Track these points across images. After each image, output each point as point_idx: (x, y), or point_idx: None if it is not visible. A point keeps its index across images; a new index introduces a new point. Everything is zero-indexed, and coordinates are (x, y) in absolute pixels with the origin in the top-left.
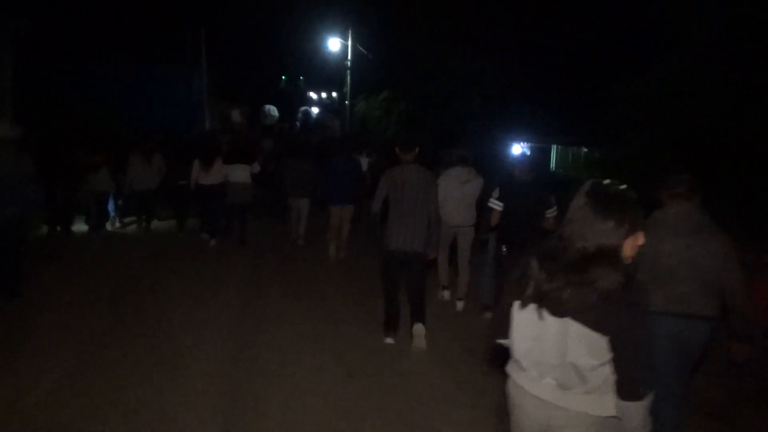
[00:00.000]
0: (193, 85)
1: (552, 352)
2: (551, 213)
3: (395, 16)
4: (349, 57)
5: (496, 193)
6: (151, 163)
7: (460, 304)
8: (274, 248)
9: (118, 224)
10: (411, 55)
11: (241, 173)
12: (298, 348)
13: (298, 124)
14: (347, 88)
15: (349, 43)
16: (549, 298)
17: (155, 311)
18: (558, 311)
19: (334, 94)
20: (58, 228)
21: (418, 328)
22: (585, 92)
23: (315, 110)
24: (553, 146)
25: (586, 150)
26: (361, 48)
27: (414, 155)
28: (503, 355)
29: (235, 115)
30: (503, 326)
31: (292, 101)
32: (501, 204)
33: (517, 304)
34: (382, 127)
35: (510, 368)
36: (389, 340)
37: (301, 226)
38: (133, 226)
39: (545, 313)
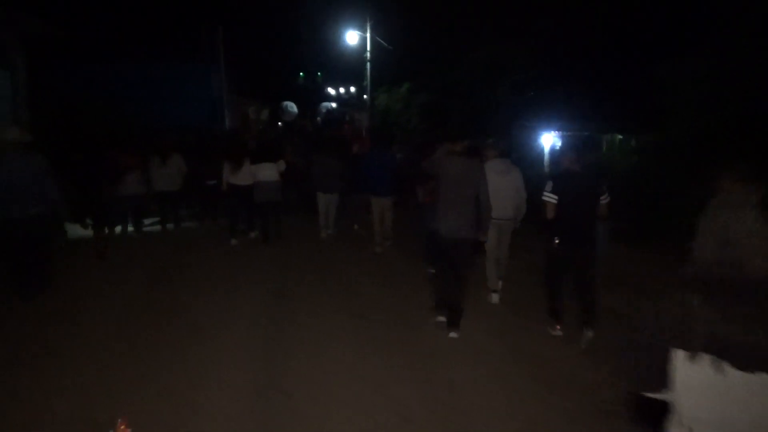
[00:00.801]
0: (212, 83)
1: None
2: (605, 200)
3: (415, 3)
4: (368, 49)
5: (548, 186)
6: (168, 163)
7: (495, 297)
8: (306, 242)
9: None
10: (433, 43)
11: (268, 172)
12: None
13: (319, 119)
14: (367, 82)
15: (368, 34)
16: (732, 348)
17: (187, 305)
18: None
19: (352, 88)
20: (106, 229)
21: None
22: (621, 77)
23: (334, 105)
24: (585, 134)
25: (620, 137)
26: (380, 40)
27: (463, 146)
28: (655, 410)
29: (263, 114)
30: (656, 377)
31: (311, 97)
32: (555, 197)
33: (680, 354)
34: (404, 120)
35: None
36: (441, 318)
37: (329, 220)
38: (157, 227)
39: (728, 367)
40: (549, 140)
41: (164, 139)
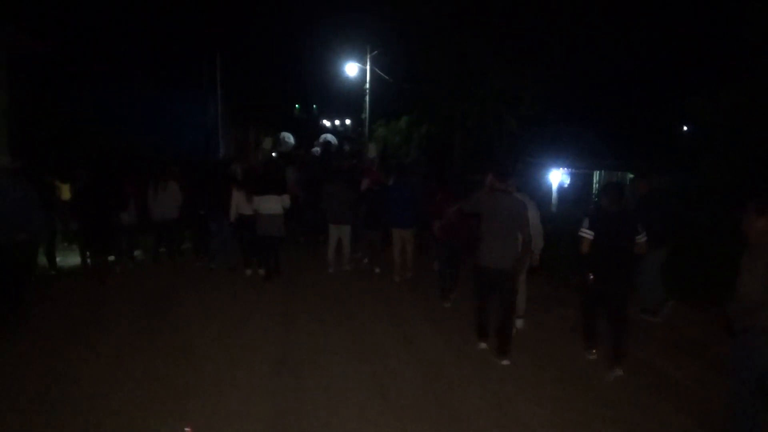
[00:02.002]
0: (208, 110)
1: None
2: (641, 239)
3: (419, 34)
4: (368, 80)
5: (585, 222)
6: (165, 191)
7: (519, 323)
8: (315, 277)
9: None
10: (438, 75)
11: (272, 204)
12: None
13: (317, 150)
14: (366, 114)
15: (368, 66)
16: None
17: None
18: None
19: (347, 121)
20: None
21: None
22: (635, 113)
23: (333, 138)
24: (595, 172)
25: (632, 176)
26: (379, 72)
27: (508, 184)
28: None
29: (267, 143)
30: None
31: (306, 128)
32: (591, 233)
33: None
34: (403, 153)
35: None
36: (482, 345)
37: (343, 254)
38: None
39: None
40: (557, 177)
41: (165, 167)
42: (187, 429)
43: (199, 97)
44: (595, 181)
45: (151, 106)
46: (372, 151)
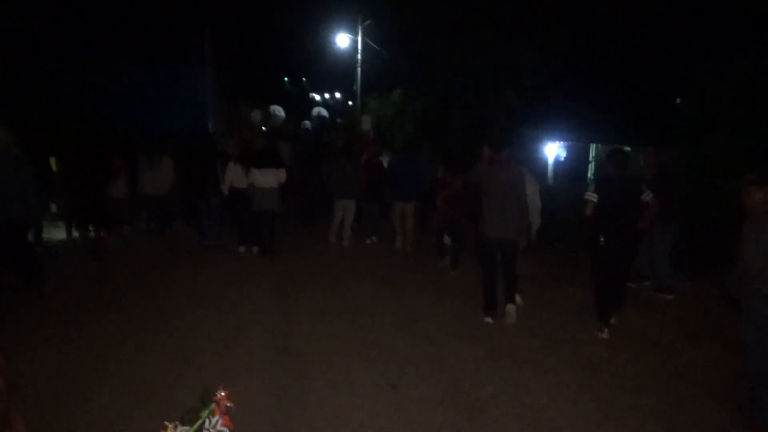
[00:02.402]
0: (198, 85)
1: None
2: (647, 197)
3: (414, 6)
4: (359, 51)
5: (591, 186)
6: (159, 167)
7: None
8: (307, 253)
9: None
10: (433, 47)
11: (271, 178)
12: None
13: (308, 124)
14: (357, 87)
15: (359, 37)
16: None
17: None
18: None
19: (337, 95)
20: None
21: (510, 308)
22: (633, 85)
23: (325, 112)
24: (592, 145)
25: (629, 149)
26: (371, 43)
27: (506, 154)
28: None
29: (256, 115)
30: None
31: (296, 102)
32: (596, 196)
33: None
34: (397, 127)
35: None
36: (488, 320)
37: (346, 226)
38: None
39: None
40: (553, 151)
41: (155, 142)
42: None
43: (187, 71)
44: (591, 154)
45: (138, 81)
46: (366, 123)
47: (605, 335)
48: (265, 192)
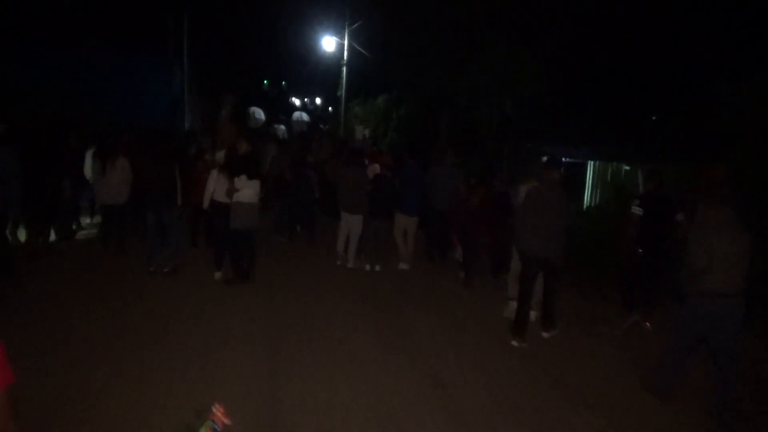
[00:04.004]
0: (173, 78)
1: None
2: (680, 217)
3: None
4: (345, 54)
5: (636, 202)
6: (113, 170)
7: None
8: (304, 271)
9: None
10: (426, 48)
11: (249, 191)
12: None
13: (282, 129)
14: (342, 91)
15: (346, 40)
16: None
17: None
18: None
19: (318, 100)
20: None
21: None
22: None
23: (306, 117)
24: (589, 162)
25: (627, 168)
26: (357, 46)
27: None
28: None
29: (229, 101)
30: None
31: (275, 105)
32: (641, 210)
33: None
34: (380, 133)
35: None
36: (515, 343)
37: (351, 246)
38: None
39: None
40: None
41: (115, 138)
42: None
43: (164, 64)
44: (589, 171)
45: (110, 72)
46: (359, 132)
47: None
48: (246, 208)
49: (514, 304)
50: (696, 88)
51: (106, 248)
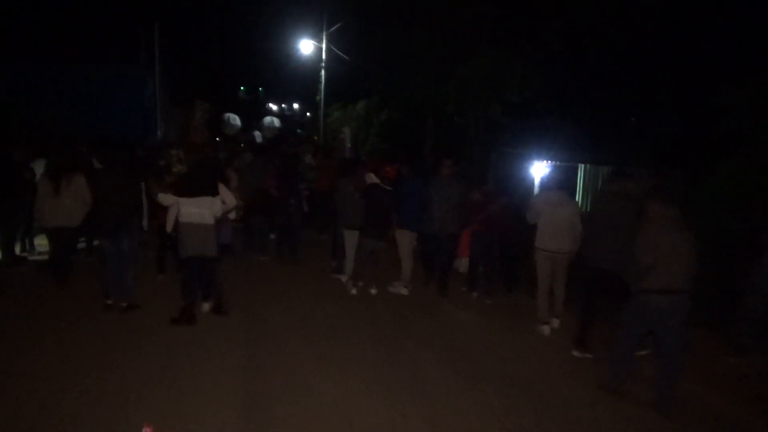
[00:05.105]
0: (146, 88)
1: None
2: None
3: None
4: (323, 58)
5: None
6: (68, 189)
7: (556, 322)
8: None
9: None
10: (411, 53)
11: (204, 210)
12: None
13: (257, 135)
14: (321, 96)
15: (324, 44)
16: None
17: None
18: None
19: (295, 105)
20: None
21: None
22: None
23: (277, 121)
24: (580, 165)
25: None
26: (336, 50)
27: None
28: None
29: (201, 107)
30: None
31: (252, 112)
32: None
33: None
34: (360, 140)
35: None
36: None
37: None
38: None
39: None
40: (540, 171)
41: (72, 152)
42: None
43: (136, 74)
44: (580, 174)
45: (79, 83)
46: (347, 138)
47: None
48: (199, 229)
49: (547, 328)
50: (695, 89)
51: (54, 277)
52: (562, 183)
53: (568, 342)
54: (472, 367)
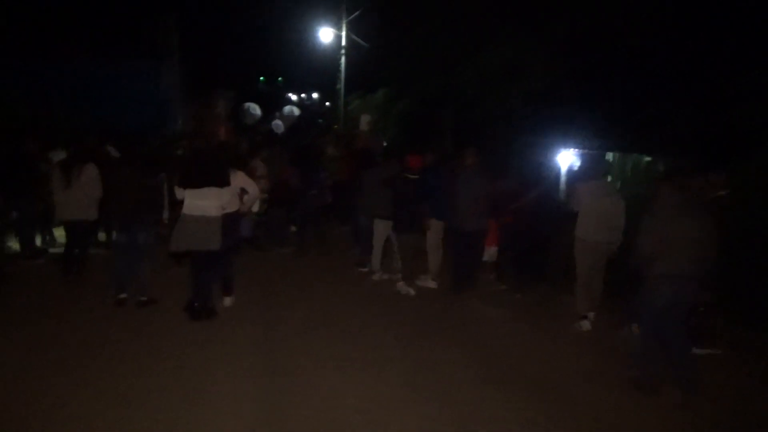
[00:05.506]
0: (162, 81)
1: None
2: None
3: None
4: (343, 45)
5: None
6: (78, 181)
7: (586, 324)
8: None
9: None
10: (428, 40)
11: (208, 202)
12: None
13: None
14: (341, 85)
15: (344, 32)
16: None
17: None
18: None
19: (315, 95)
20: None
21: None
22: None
23: (297, 110)
24: (609, 154)
25: (648, 159)
26: (357, 39)
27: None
28: None
29: (225, 97)
30: None
31: (271, 102)
32: None
33: None
34: (379, 129)
35: None
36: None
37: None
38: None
39: None
40: (566, 159)
41: (80, 143)
42: None
43: (152, 66)
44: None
45: (96, 75)
46: (365, 123)
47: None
48: (201, 221)
49: (587, 323)
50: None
51: (67, 273)
52: (605, 172)
53: (606, 340)
54: (504, 369)
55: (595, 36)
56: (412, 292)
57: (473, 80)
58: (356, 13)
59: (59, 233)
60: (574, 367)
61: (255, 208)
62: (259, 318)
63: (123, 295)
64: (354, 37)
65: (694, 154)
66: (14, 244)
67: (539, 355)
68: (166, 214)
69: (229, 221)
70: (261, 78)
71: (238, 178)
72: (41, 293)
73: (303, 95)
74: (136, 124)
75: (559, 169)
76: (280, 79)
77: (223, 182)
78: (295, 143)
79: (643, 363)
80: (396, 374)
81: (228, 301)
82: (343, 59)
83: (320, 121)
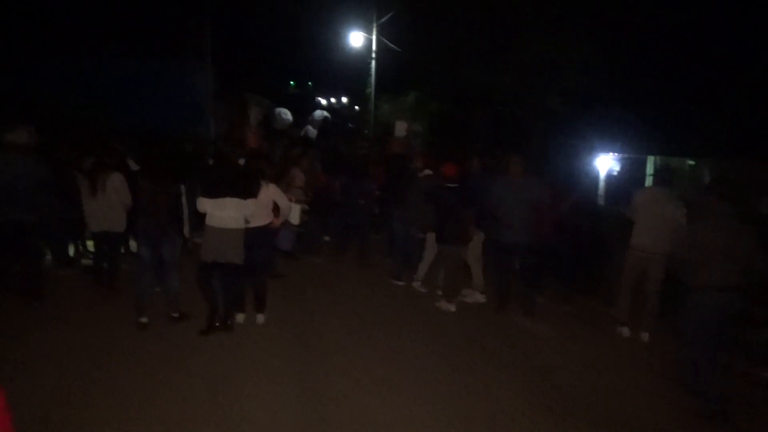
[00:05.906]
0: (196, 83)
1: None
2: None
3: None
4: (373, 48)
5: None
6: (104, 190)
7: (645, 336)
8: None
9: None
10: (461, 42)
11: (227, 213)
12: None
13: (309, 129)
14: (371, 88)
15: (374, 35)
16: None
17: None
18: None
19: (344, 99)
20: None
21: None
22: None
23: (327, 114)
24: (649, 158)
25: (692, 163)
26: (386, 41)
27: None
28: None
29: (258, 103)
30: None
31: (302, 106)
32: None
33: None
34: (416, 133)
35: None
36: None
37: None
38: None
39: None
40: (605, 164)
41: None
42: None
43: (187, 67)
44: (648, 167)
45: (131, 79)
46: (400, 129)
47: None
48: (222, 234)
49: (626, 330)
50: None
51: (97, 284)
52: (666, 180)
53: (662, 363)
54: (556, 395)
55: (633, 35)
56: (452, 308)
57: (510, 75)
58: (387, 16)
59: (92, 243)
60: (634, 393)
61: (295, 221)
62: (293, 336)
63: (144, 320)
64: (384, 40)
65: (738, 156)
66: (47, 254)
67: (598, 379)
68: (187, 229)
69: (261, 235)
70: (291, 82)
71: (270, 191)
72: (69, 306)
73: (332, 99)
74: (170, 126)
75: (597, 174)
76: (310, 83)
77: (246, 193)
78: (327, 148)
79: (700, 388)
80: (443, 401)
81: (260, 318)
82: (373, 63)
83: (350, 125)
